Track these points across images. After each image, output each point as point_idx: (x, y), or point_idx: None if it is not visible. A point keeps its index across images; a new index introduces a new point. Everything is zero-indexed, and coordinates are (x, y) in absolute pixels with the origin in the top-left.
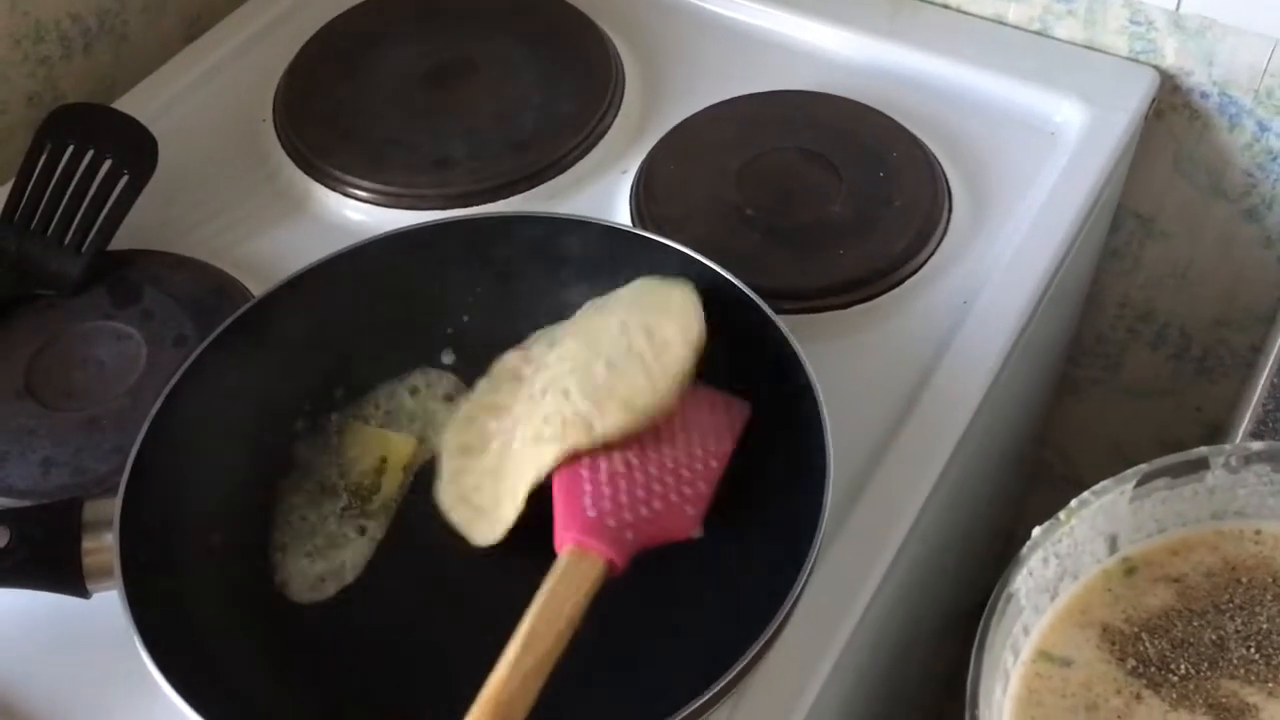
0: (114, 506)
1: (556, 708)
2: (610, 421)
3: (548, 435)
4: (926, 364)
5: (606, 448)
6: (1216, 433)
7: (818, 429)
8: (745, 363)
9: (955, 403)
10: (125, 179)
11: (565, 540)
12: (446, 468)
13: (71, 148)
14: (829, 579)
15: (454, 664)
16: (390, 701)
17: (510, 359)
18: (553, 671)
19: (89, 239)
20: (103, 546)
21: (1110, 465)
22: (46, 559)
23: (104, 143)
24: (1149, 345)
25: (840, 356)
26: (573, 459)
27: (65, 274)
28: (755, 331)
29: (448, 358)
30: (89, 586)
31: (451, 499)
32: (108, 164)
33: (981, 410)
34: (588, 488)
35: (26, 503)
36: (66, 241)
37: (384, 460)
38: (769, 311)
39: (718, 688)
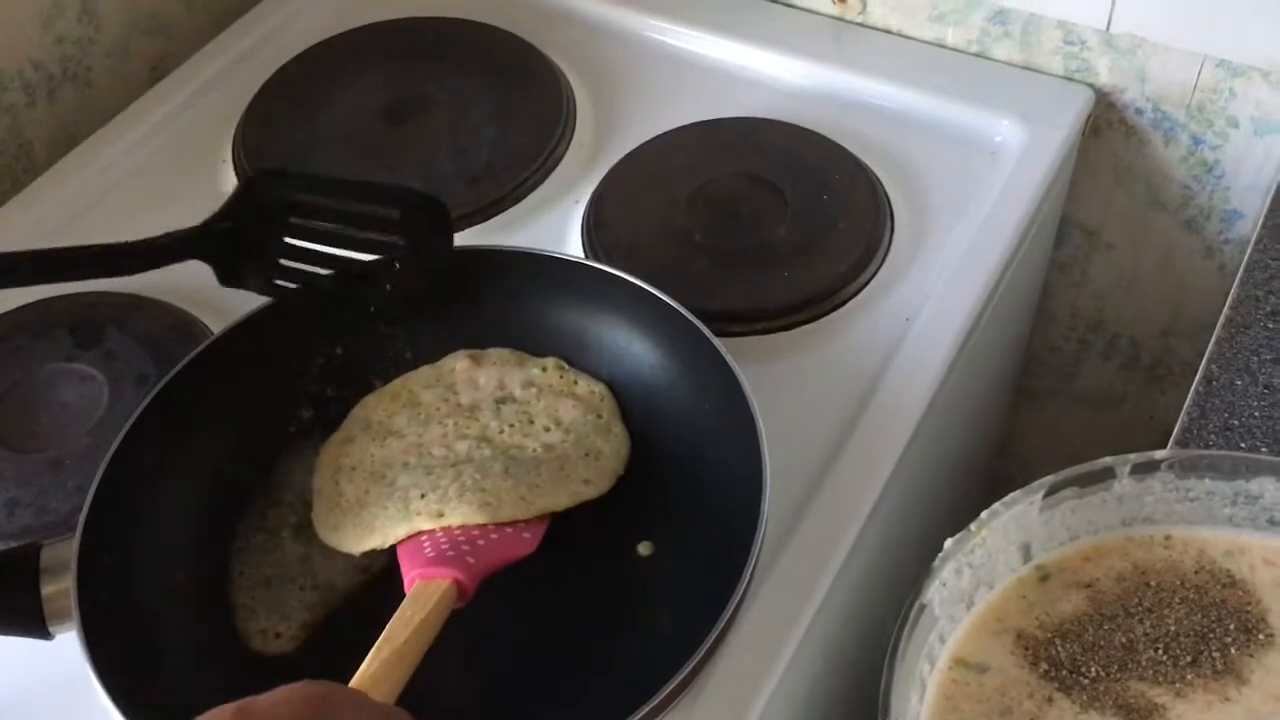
0: (71, 548)
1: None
2: (463, 516)
3: (413, 510)
4: (871, 380)
5: None
6: (1169, 439)
7: (755, 446)
8: (690, 386)
9: (899, 415)
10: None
11: (410, 580)
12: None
13: None
14: (776, 590)
15: (429, 710)
16: None
17: (462, 364)
18: (502, 687)
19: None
20: (63, 590)
21: None
22: (5, 604)
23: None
24: (1101, 355)
25: (787, 376)
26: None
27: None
28: (699, 356)
29: None
30: (51, 628)
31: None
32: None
33: (926, 421)
34: (425, 540)
35: None
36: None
37: None
38: (711, 337)
39: (657, 699)
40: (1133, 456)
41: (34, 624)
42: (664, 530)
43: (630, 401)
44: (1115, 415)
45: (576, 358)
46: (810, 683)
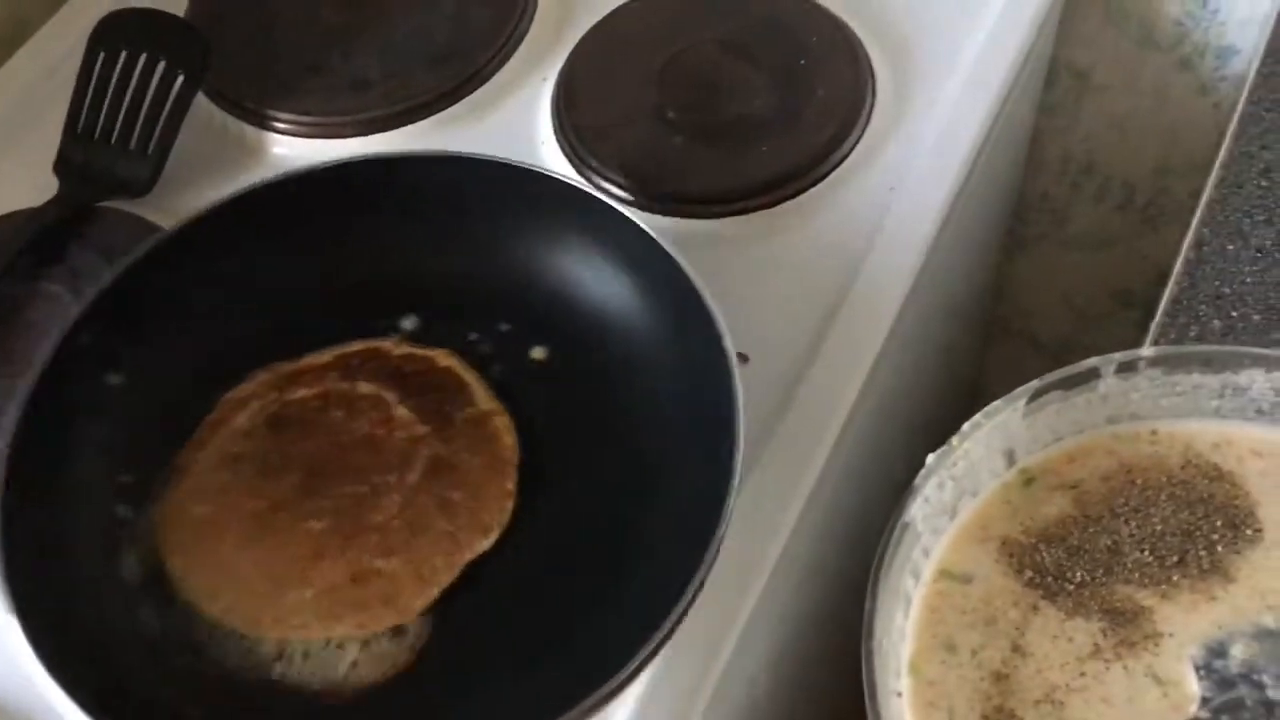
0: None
1: (486, 690)
2: None
3: None
4: (862, 246)
5: None
6: (1163, 279)
7: (718, 346)
8: (644, 293)
9: (892, 277)
10: (181, 79)
11: None
12: None
13: (124, 54)
14: (778, 453)
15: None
16: None
17: None
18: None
19: (153, 141)
20: None
21: (1063, 317)
22: None
23: (156, 46)
24: (1093, 199)
25: (773, 255)
26: None
27: (136, 178)
28: (647, 260)
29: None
30: None
31: None
32: (161, 66)
33: (920, 278)
34: None
35: None
36: (132, 146)
37: None
38: (657, 239)
39: (664, 628)
40: (1117, 356)
41: None
42: (643, 434)
43: (581, 319)
44: (1109, 257)
45: (520, 278)
46: (791, 594)
